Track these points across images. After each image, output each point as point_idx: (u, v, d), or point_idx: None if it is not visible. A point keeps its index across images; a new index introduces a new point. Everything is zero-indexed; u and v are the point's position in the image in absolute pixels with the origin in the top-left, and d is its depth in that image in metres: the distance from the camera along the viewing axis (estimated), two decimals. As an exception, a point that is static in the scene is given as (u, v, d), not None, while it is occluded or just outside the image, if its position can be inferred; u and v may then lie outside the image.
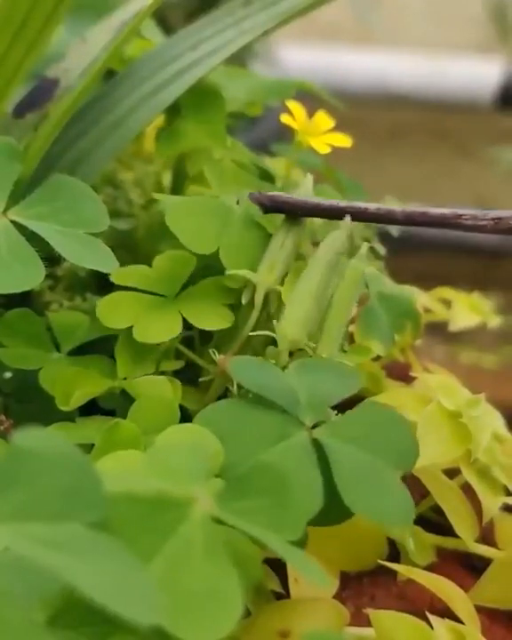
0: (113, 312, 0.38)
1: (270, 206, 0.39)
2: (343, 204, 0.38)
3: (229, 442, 0.29)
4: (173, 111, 0.47)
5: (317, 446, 0.30)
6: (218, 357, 0.36)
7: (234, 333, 0.38)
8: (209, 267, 0.39)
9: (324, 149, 0.46)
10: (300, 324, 0.35)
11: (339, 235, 0.35)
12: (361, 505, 0.29)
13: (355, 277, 0.36)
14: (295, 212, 0.39)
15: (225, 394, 0.37)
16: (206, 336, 0.40)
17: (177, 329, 0.37)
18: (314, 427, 0.31)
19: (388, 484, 0.30)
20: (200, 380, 0.38)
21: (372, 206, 0.38)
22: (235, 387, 0.35)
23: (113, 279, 0.39)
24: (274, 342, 0.36)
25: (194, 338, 0.41)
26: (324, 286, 0.35)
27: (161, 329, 0.37)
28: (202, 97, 0.46)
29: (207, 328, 0.38)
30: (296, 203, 0.39)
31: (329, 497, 0.28)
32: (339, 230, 0.35)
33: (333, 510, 0.29)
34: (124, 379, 0.38)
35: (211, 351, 0.36)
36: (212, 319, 0.37)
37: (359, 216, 0.38)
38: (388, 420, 0.33)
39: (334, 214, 0.38)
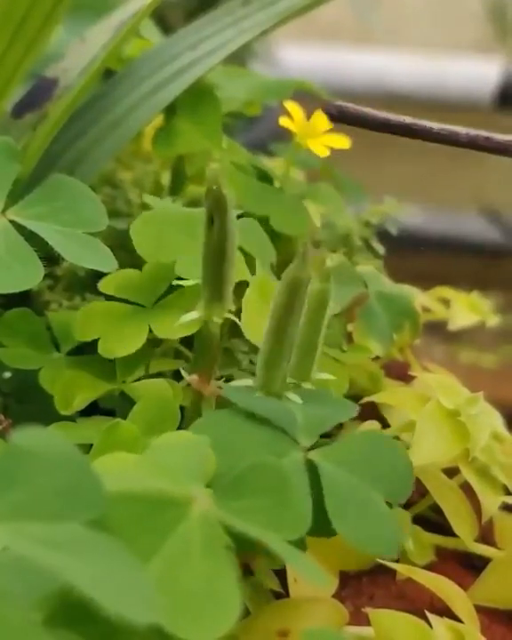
0: (84, 324, 0.38)
1: (337, 116, 0.39)
2: (409, 120, 0.38)
3: (222, 454, 0.29)
4: (170, 112, 0.47)
5: (311, 467, 0.30)
6: (190, 377, 0.35)
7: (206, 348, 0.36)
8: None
9: (323, 152, 0.46)
10: (277, 377, 0.33)
11: (295, 271, 0.32)
12: (348, 530, 0.29)
13: (320, 299, 0.34)
14: (362, 125, 0.39)
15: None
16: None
17: (141, 341, 0.37)
18: (309, 448, 0.31)
19: (378, 512, 0.30)
20: (179, 384, 0.37)
21: (436, 126, 0.38)
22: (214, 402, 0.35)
23: (101, 289, 0.39)
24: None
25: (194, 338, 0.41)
26: (289, 328, 0.33)
27: (123, 343, 0.37)
28: (197, 98, 0.46)
29: (168, 337, 0.38)
30: (365, 115, 0.39)
31: (317, 516, 0.28)
32: (297, 260, 0.32)
33: (322, 528, 0.29)
34: (124, 382, 0.38)
35: (181, 369, 0.36)
36: (176, 328, 0.36)
37: (424, 134, 0.38)
38: (386, 452, 0.32)
39: (400, 131, 0.39)
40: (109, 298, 0.39)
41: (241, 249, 0.38)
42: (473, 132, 0.38)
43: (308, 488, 0.29)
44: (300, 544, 0.29)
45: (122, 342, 0.37)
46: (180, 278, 0.37)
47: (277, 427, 0.31)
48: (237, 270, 0.36)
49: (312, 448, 0.31)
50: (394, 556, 0.30)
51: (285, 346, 0.33)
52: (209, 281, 0.34)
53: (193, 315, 0.34)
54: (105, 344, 0.37)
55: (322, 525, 0.28)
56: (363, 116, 0.38)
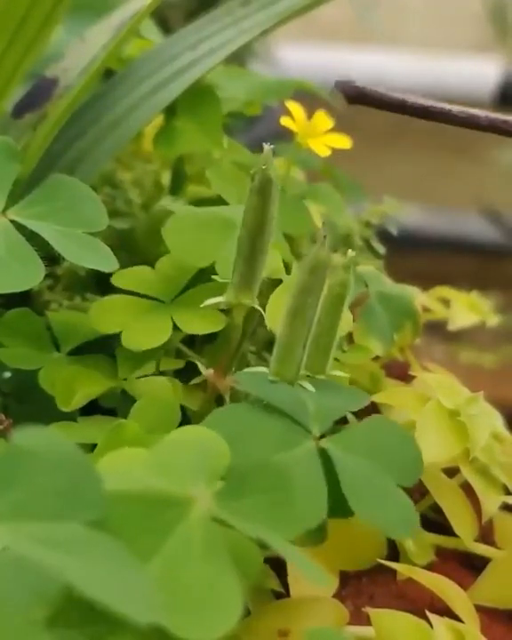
0: (104, 316, 0.38)
1: (355, 97, 0.38)
2: (428, 103, 0.38)
3: (237, 446, 0.29)
4: (170, 112, 0.47)
5: (323, 455, 0.30)
6: (206, 372, 0.35)
7: (227, 340, 0.37)
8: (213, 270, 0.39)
9: (324, 151, 0.46)
10: (293, 362, 0.33)
11: (316, 252, 0.32)
12: (366, 513, 0.29)
13: (340, 292, 0.34)
14: (379, 106, 0.39)
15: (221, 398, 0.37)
16: (208, 336, 0.40)
17: (166, 335, 0.37)
18: (321, 437, 0.31)
19: (392, 493, 0.30)
20: (191, 382, 0.37)
21: (455, 108, 0.38)
22: (228, 397, 0.35)
23: (113, 281, 0.39)
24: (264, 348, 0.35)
25: (195, 338, 0.41)
26: (308, 310, 0.33)
27: (149, 335, 0.37)
28: (197, 98, 0.46)
29: (195, 332, 0.38)
30: (382, 97, 0.38)
31: (333, 503, 0.29)
32: (316, 246, 0.32)
33: (338, 513, 0.29)
34: (125, 379, 0.38)
35: (198, 363, 0.36)
36: (202, 323, 0.37)
37: (442, 117, 0.38)
38: (394, 436, 0.33)
39: (417, 112, 0.38)
40: (121, 293, 0.39)
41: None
42: (492, 115, 0.37)
43: (323, 476, 0.29)
44: (320, 532, 0.29)
45: (146, 334, 0.37)
46: (201, 276, 0.37)
47: (289, 416, 0.31)
48: (274, 268, 0.36)
49: (323, 436, 0.31)
50: (409, 537, 0.30)
51: (303, 328, 0.33)
52: (240, 264, 0.33)
53: (219, 298, 0.34)
54: (129, 335, 0.37)
55: (338, 510, 0.29)
56: (380, 98, 0.38)
